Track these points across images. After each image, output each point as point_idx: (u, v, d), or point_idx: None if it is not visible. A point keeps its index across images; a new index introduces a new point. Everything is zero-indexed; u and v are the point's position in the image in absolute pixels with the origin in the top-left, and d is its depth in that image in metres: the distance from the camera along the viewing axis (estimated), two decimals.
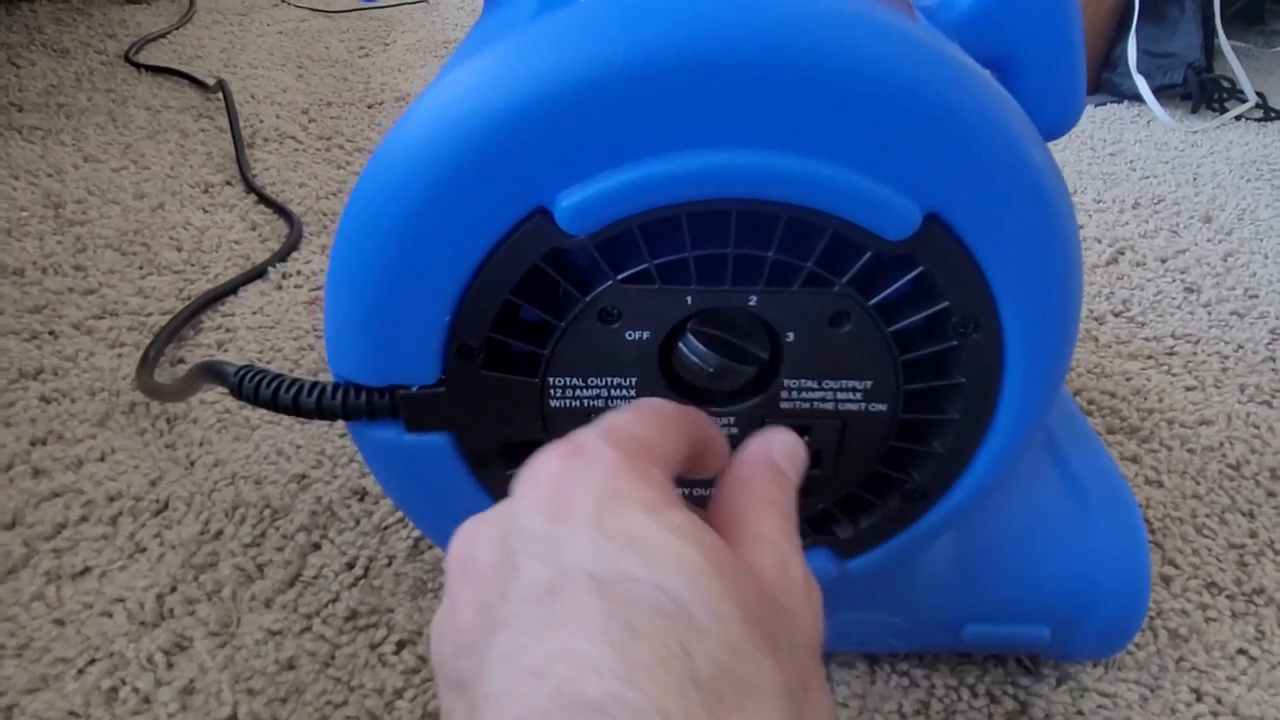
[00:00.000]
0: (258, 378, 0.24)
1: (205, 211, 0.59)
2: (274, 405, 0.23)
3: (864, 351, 0.22)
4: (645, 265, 0.20)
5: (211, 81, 0.77)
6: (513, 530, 0.15)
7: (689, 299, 0.21)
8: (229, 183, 0.63)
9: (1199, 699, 0.30)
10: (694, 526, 0.15)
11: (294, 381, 0.23)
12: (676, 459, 0.17)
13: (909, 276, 0.20)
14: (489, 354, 0.22)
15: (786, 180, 0.18)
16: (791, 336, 0.21)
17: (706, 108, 0.18)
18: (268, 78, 0.82)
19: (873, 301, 0.21)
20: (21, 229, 0.55)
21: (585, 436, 0.17)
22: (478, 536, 0.16)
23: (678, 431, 0.18)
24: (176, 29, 0.94)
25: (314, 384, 0.23)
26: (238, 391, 0.24)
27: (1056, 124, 0.29)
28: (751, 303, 0.21)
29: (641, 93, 0.18)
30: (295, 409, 0.23)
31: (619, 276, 0.20)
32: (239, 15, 1.01)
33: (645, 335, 0.21)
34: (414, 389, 0.22)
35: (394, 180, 0.19)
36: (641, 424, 0.17)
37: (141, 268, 0.52)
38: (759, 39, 0.17)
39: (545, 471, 0.16)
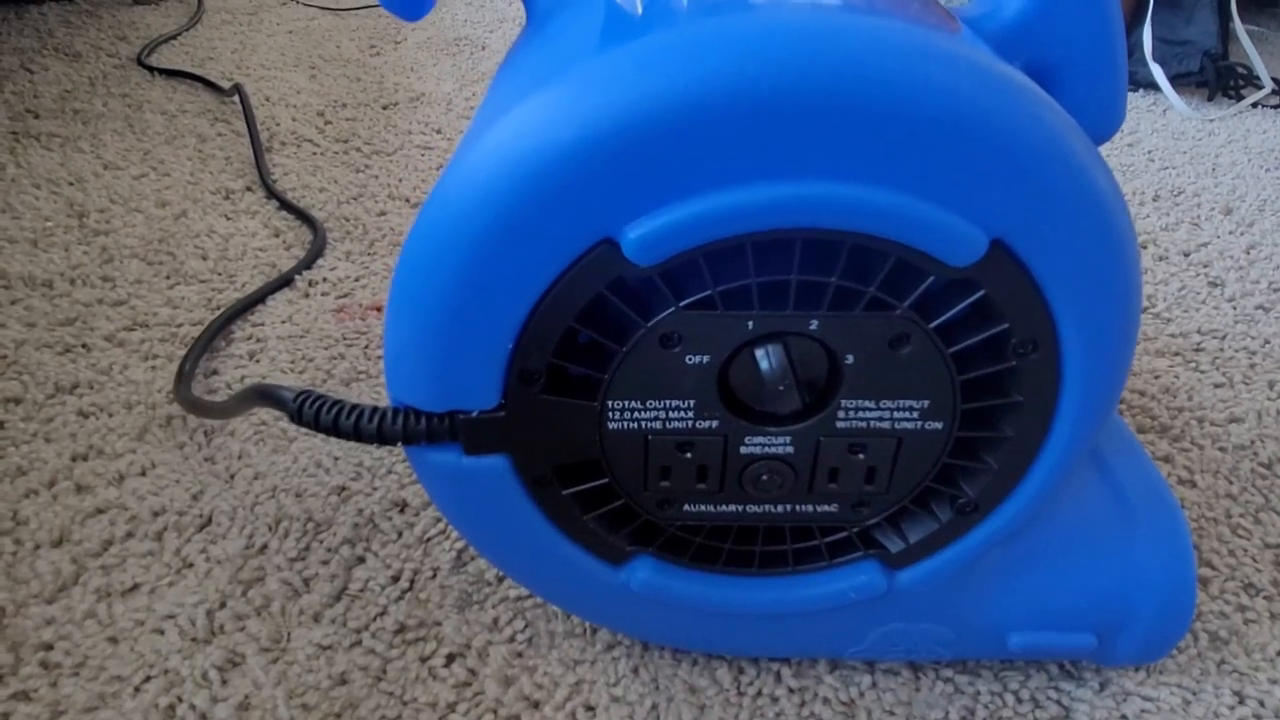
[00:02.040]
0: (317, 404, 0.24)
1: (228, 218, 0.59)
2: (334, 431, 0.24)
3: (923, 372, 0.22)
4: (708, 292, 0.20)
5: (226, 84, 0.77)
6: None
7: (750, 324, 0.21)
8: (249, 188, 0.63)
9: (1241, 702, 0.30)
10: None
11: (354, 407, 0.24)
12: None
13: (971, 300, 0.20)
14: (549, 379, 0.22)
15: (855, 210, 0.18)
16: (851, 359, 0.22)
17: (774, 140, 0.18)
18: (281, 79, 0.82)
19: (933, 324, 0.21)
20: (47, 239, 0.55)
21: None
22: None
23: None
24: (186, 30, 0.94)
25: (373, 410, 0.23)
26: (297, 417, 0.24)
27: (1097, 131, 0.29)
28: (812, 327, 0.21)
29: (709, 127, 0.18)
30: (356, 434, 0.23)
31: (681, 303, 0.21)
32: (248, 15, 1.01)
33: (705, 359, 0.22)
34: (474, 414, 0.22)
35: (462, 211, 0.19)
36: None
37: (169, 277, 0.52)
38: (826, 72, 0.17)
39: None
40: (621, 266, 0.20)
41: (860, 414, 0.23)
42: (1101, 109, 0.28)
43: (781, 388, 0.21)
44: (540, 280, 0.20)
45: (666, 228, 0.19)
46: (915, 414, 0.22)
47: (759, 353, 0.21)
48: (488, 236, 0.19)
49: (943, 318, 0.21)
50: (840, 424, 0.23)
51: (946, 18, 0.25)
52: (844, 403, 0.22)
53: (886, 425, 0.23)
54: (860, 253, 0.20)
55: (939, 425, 0.23)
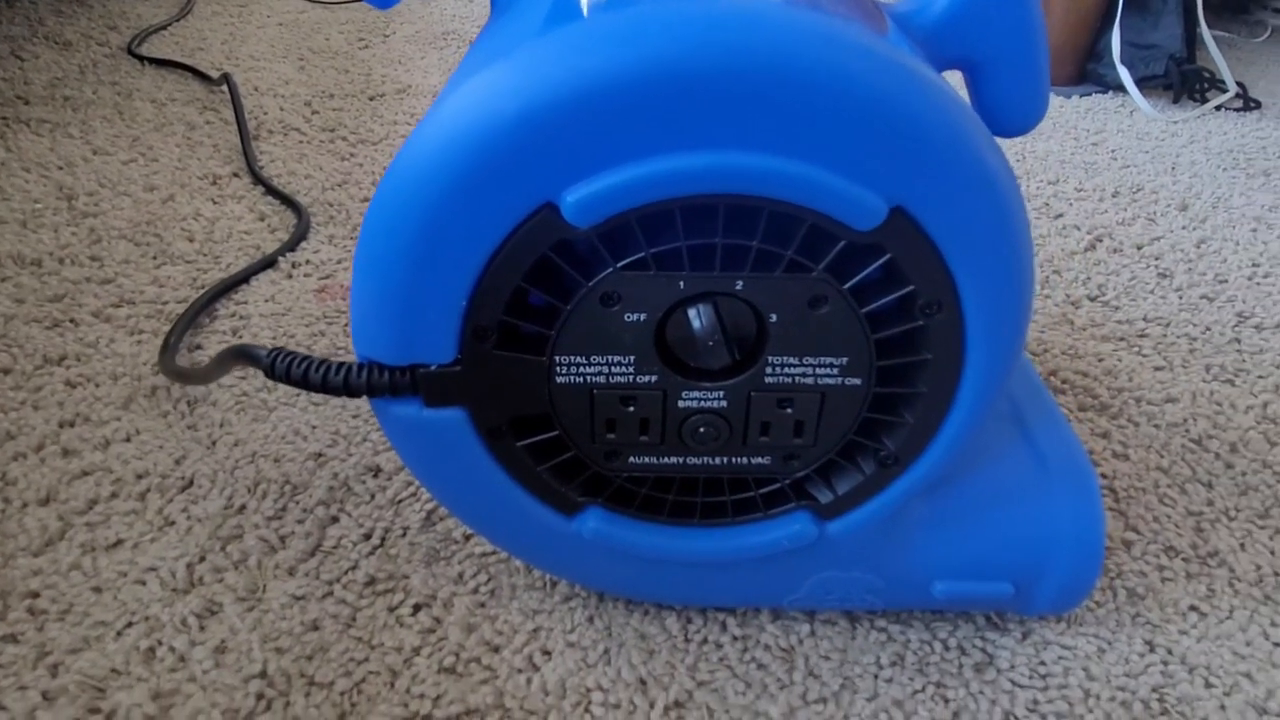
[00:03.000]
0: (289, 359, 0.26)
1: (214, 203, 0.61)
2: (304, 384, 0.26)
3: (840, 331, 0.24)
4: (643, 254, 0.22)
5: (215, 74, 0.79)
6: None
7: (682, 284, 0.23)
8: (236, 174, 0.65)
9: (1151, 650, 0.32)
10: None
11: (322, 362, 0.26)
12: None
13: (879, 263, 0.22)
14: (501, 335, 0.24)
15: (768, 178, 0.20)
16: (775, 318, 0.24)
17: (697, 114, 0.20)
18: (270, 70, 0.84)
19: (847, 286, 0.23)
20: (36, 221, 0.57)
21: None
22: None
23: None
24: (177, 21, 0.95)
25: (340, 364, 0.25)
26: (270, 372, 0.26)
27: (1020, 122, 0.31)
28: (738, 287, 0.23)
29: (640, 100, 0.20)
30: (324, 387, 0.25)
31: (619, 264, 0.23)
32: (238, 6, 1.02)
33: (643, 317, 0.24)
34: (432, 367, 0.25)
35: (417, 178, 0.21)
36: None
37: (155, 258, 0.54)
38: (745, 54, 0.20)
39: None
40: (563, 229, 0.22)
41: (786, 370, 0.25)
42: (1023, 102, 0.31)
43: (711, 343, 0.23)
44: (489, 241, 0.22)
45: (601, 192, 0.21)
46: (836, 370, 0.25)
47: (691, 311, 0.23)
48: (440, 201, 0.21)
49: (855, 279, 0.23)
50: (768, 379, 0.25)
51: (874, 13, 0.27)
52: (771, 359, 0.25)
53: (810, 381, 0.25)
54: (778, 218, 0.22)
55: (858, 381, 0.25)
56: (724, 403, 0.25)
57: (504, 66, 0.21)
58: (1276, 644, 0.33)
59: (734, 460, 0.27)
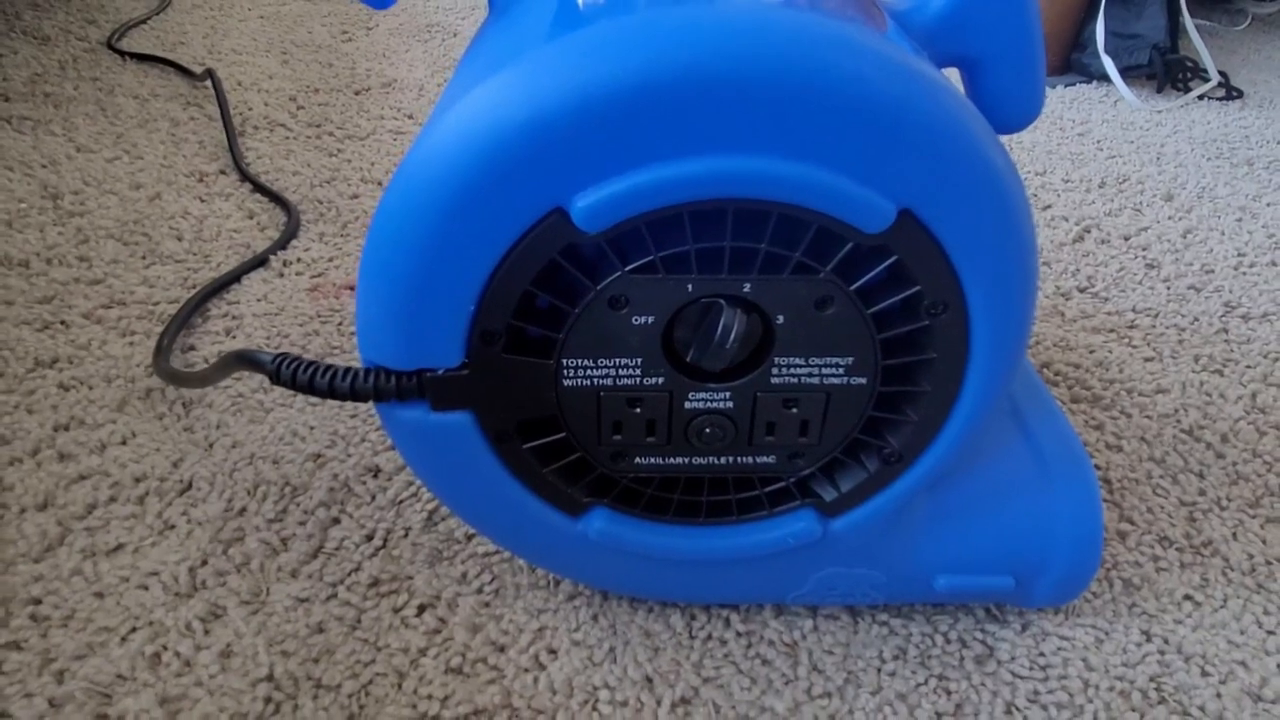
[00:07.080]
0: (294, 365, 0.26)
1: (202, 201, 0.60)
2: (310, 389, 0.26)
3: (846, 331, 0.24)
4: (651, 257, 0.22)
5: (198, 69, 0.78)
6: None
7: (690, 286, 0.23)
8: (223, 171, 0.64)
9: (1148, 640, 0.33)
10: None
11: (328, 367, 0.26)
12: None
13: (885, 264, 0.23)
14: (509, 339, 0.24)
15: (777, 182, 0.21)
16: (782, 319, 0.24)
17: (707, 119, 0.20)
18: (253, 64, 0.83)
19: (854, 287, 0.23)
20: (22, 221, 0.56)
21: None
22: None
23: None
24: (157, 14, 0.94)
25: (347, 369, 0.25)
26: (275, 377, 0.26)
27: (1018, 118, 0.31)
28: (746, 289, 0.23)
29: (649, 106, 0.20)
30: (330, 392, 0.25)
31: (627, 268, 0.23)
32: None
33: (650, 320, 0.24)
34: (440, 371, 0.24)
35: (426, 184, 0.21)
36: None
37: (144, 257, 0.53)
38: (754, 59, 0.20)
39: None
40: (572, 234, 0.22)
41: (792, 371, 0.25)
42: (1021, 98, 0.31)
43: (727, 347, 0.23)
44: (498, 247, 0.22)
45: (611, 198, 0.21)
46: (841, 370, 0.25)
47: (727, 312, 0.23)
48: (450, 207, 0.21)
49: (861, 280, 0.23)
50: (774, 380, 0.25)
51: (876, 13, 0.27)
52: (777, 360, 0.25)
53: (816, 381, 0.25)
54: (786, 221, 0.22)
55: (863, 380, 0.25)
56: (730, 403, 0.26)
57: (512, 72, 0.21)
58: (1270, 632, 0.33)
59: (739, 459, 0.27)
